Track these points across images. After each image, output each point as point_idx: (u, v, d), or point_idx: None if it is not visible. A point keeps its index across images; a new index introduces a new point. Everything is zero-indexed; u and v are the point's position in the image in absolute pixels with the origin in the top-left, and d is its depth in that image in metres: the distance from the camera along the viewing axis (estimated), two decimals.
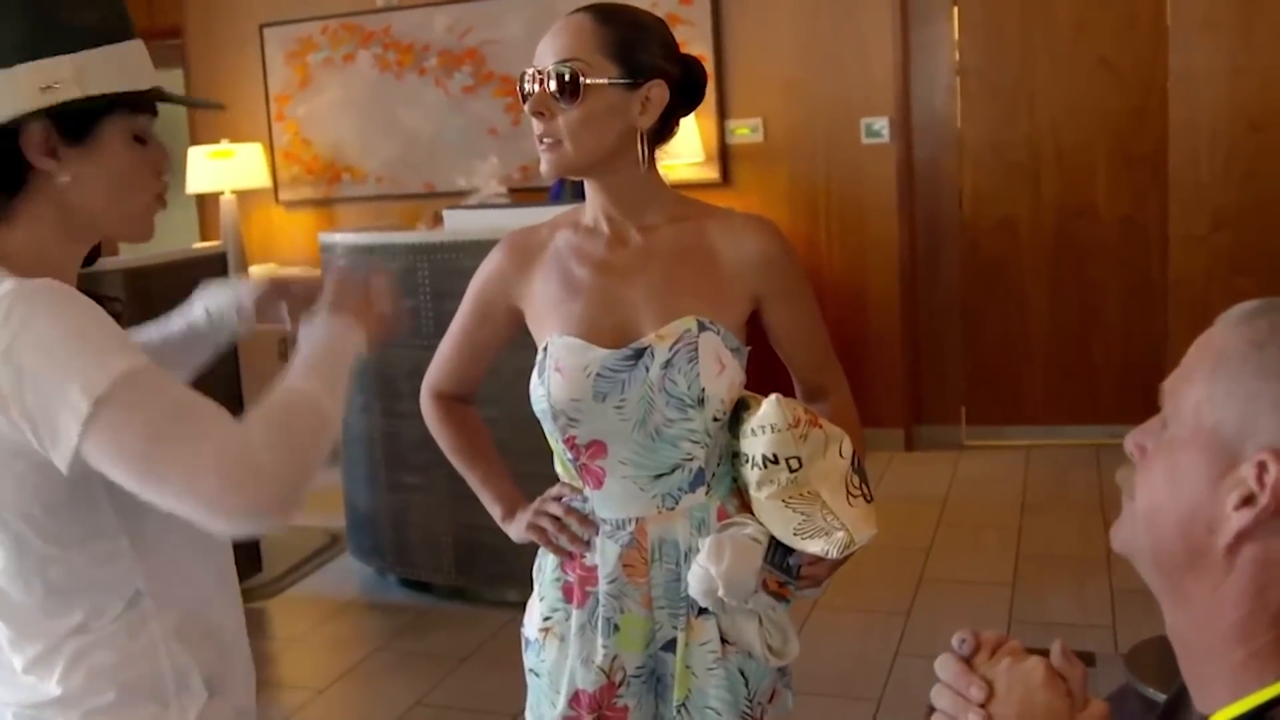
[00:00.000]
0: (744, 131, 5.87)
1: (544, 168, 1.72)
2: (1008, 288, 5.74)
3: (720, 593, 1.68)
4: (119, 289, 3.02)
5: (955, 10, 5.62)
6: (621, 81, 1.66)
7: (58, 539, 1.30)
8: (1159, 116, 5.40)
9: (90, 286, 1.41)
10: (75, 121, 1.30)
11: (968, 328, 5.82)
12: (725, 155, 5.90)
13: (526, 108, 1.69)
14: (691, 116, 5.63)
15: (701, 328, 1.70)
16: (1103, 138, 5.52)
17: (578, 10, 1.71)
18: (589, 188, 1.78)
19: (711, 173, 5.88)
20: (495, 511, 1.91)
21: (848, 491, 1.70)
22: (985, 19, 5.61)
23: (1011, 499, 4.98)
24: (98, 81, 1.30)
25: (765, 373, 1.96)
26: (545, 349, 1.75)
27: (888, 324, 5.76)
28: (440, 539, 4.18)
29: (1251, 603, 0.92)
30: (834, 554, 1.66)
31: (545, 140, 1.69)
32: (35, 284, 1.24)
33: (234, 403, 4.15)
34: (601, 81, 1.65)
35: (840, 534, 1.66)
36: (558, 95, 1.65)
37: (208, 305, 1.67)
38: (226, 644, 1.44)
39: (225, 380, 4.40)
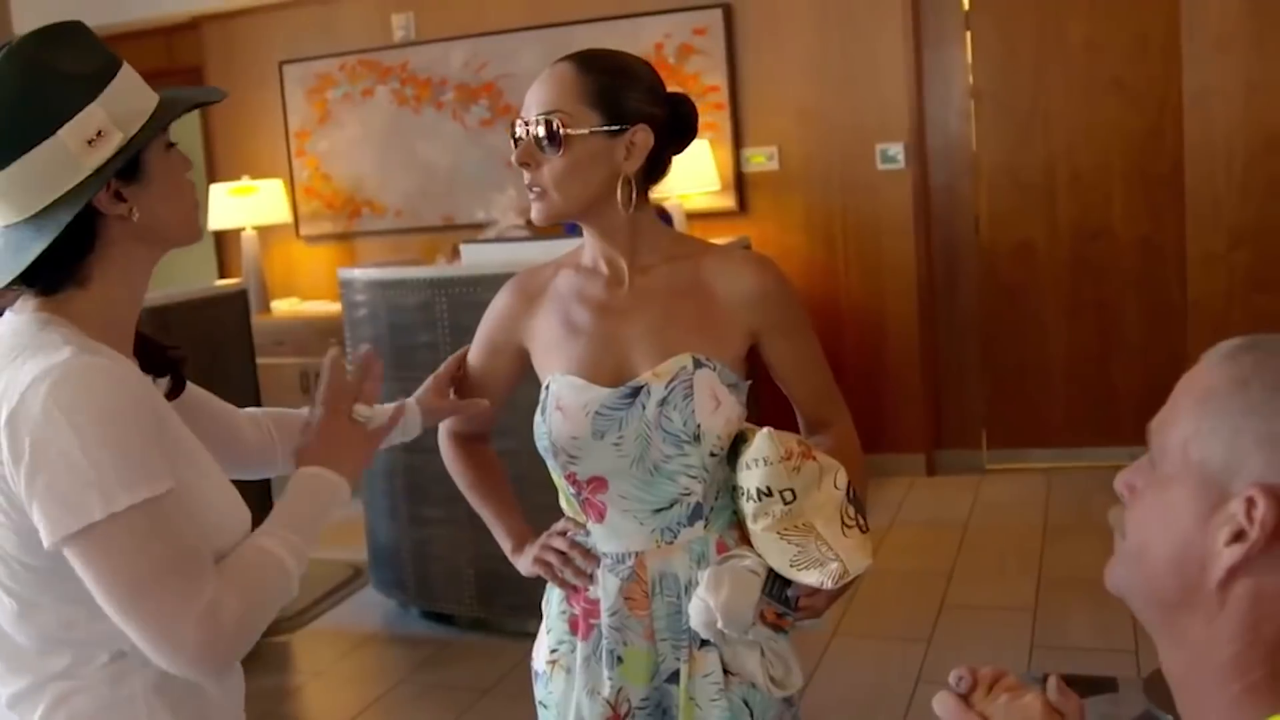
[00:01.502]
0: (760, 160, 5.90)
1: (533, 215, 1.76)
2: (1026, 310, 5.73)
3: (719, 625, 1.70)
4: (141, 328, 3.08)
5: (968, 34, 5.64)
6: (604, 129, 1.70)
7: (49, 590, 1.33)
8: (1174, 136, 5.40)
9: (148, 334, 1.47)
10: (129, 162, 1.35)
11: (987, 351, 5.81)
12: (741, 183, 5.92)
13: (514, 158, 1.73)
14: (707, 145, 5.73)
15: (697, 365, 1.73)
16: (1118, 158, 5.52)
17: (561, 60, 1.75)
18: (585, 230, 1.82)
19: (728, 201, 5.90)
20: (506, 546, 1.95)
21: (842, 522, 1.72)
22: (998, 42, 5.63)
23: (1033, 522, 4.96)
24: (126, 116, 1.35)
25: (776, 404, 1.98)
26: (547, 387, 1.79)
27: (907, 349, 5.76)
28: (462, 571, 4.19)
29: (1245, 638, 0.92)
30: (829, 585, 1.67)
31: (533, 189, 1.74)
32: (88, 364, 1.28)
33: None
34: (583, 131, 1.69)
35: (835, 565, 1.67)
36: (542, 146, 1.70)
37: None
38: (209, 704, 1.45)
39: None
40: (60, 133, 1.30)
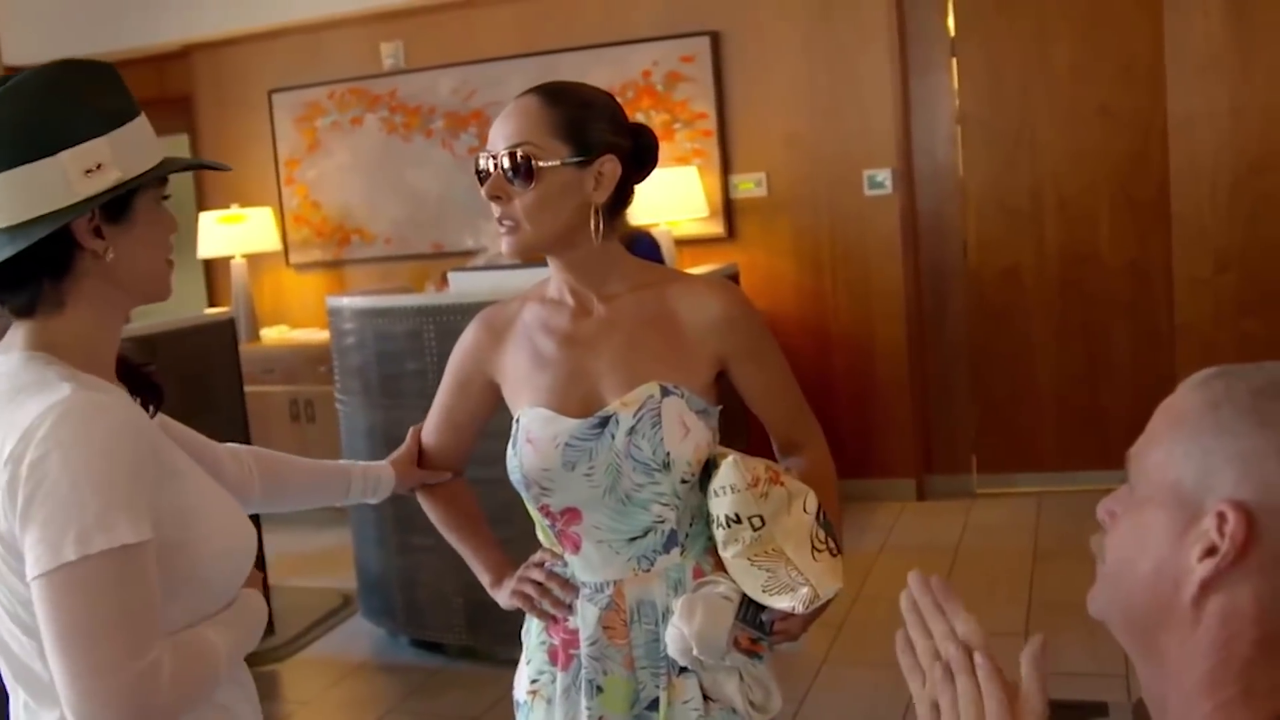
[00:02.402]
0: (748, 186, 5.92)
1: (504, 249, 1.75)
2: (1015, 335, 5.75)
3: (695, 652, 1.70)
4: (136, 358, 3.09)
5: (954, 61, 5.68)
6: (573, 160, 1.70)
7: None
8: (1160, 160, 5.43)
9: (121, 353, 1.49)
10: (117, 202, 1.37)
11: (976, 376, 5.83)
12: (729, 210, 5.94)
13: (483, 191, 1.73)
14: (695, 172, 5.75)
15: (665, 393, 1.73)
16: (1105, 183, 5.55)
17: (526, 93, 1.75)
18: (551, 262, 1.82)
19: (716, 227, 5.92)
20: (485, 580, 1.95)
21: (813, 546, 1.73)
22: (984, 68, 5.67)
23: (1024, 547, 4.95)
24: (130, 159, 1.37)
25: (760, 426, 1.98)
26: (517, 421, 1.79)
27: (896, 374, 5.77)
28: (450, 600, 4.18)
29: (1219, 654, 0.93)
30: (800, 609, 1.68)
31: (504, 223, 1.73)
32: (90, 402, 1.30)
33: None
34: (554, 163, 1.69)
35: (805, 590, 1.68)
36: (511, 178, 1.70)
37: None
38: None
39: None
40: (63, 155, 1.32)
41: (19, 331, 1.39)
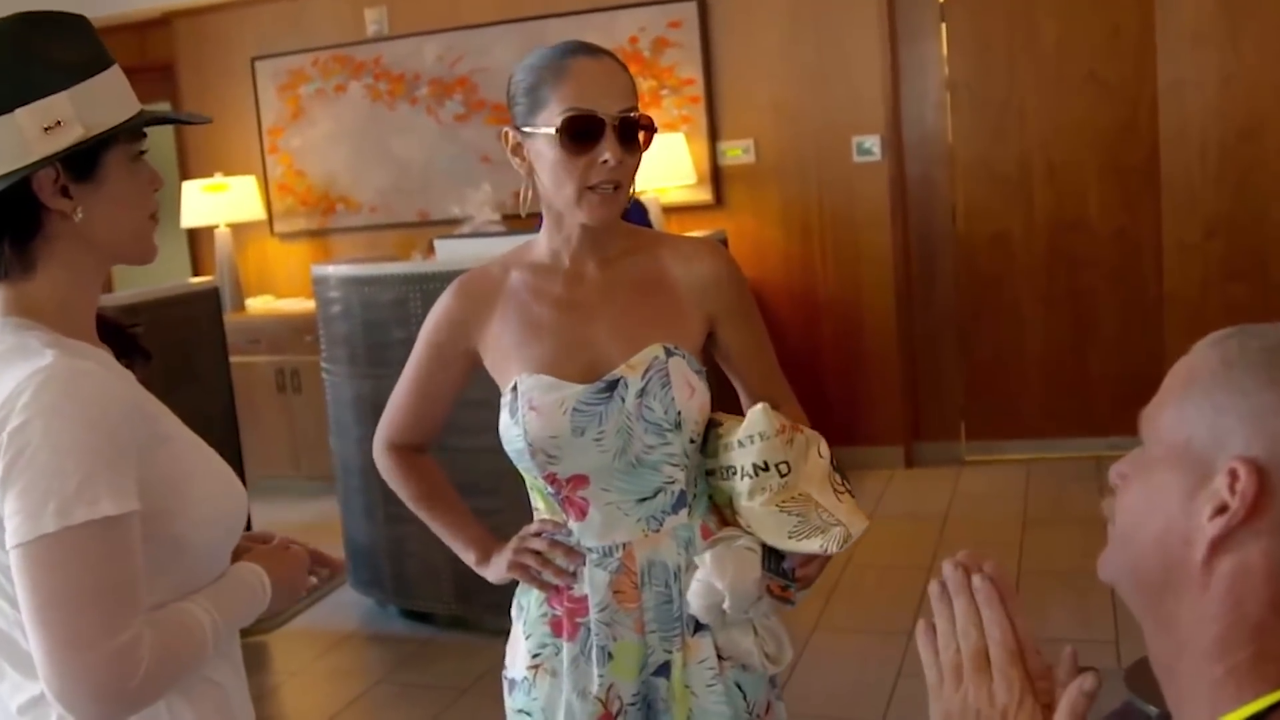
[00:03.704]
0: (736, 153, 5.88)
1: (600, 215, 1.70)
2: (1003, 302, 5.74)
3: (725, 604, 1.72)
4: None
5: (943, 27, 5.64)
6: None
7: None
8: (1149, 128, 5.41)
9: (108, 315, 1.45)
10: (83, 159, 1.32)
11: (964, 343, 5.82)
12: (718, 177, 5.91)
13: (600, 153, 1.66)
14: (683, 138, 5.71)
15: (669, 354, 1.74)
16: (1093, 150, 5.53)
17: (599, 52, 1.71)
18: (557, 225, 1.78)
19: (704, 194, 5.89)
20: (469, 557, 1.90)
21: (834, 489, 1.77)
22: (973, 35, 5.63)
23: (1012, 514, 4.96)
24: (95, 114, 1.31)
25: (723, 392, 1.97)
26: (514, 389, 1.75)
27: (884, 342, 5.76)
28: (440, 570, 4.16)
29: (1229, 616, 0.91)
30: (833, 549, 1.71)
31: (611, 184, 1.68)
32: (73, 369, 1.26)
33: (230, 436, 4.12)
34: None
35: (838, 529, 1.72)
36: (626, 142, 1.68)
37: None
38: (227, 699, 1.44)
39: (222, 416, 4.39)
40: (18, 112, 1.28)
41: None
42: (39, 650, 1.22)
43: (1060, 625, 3.76)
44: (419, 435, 1.94)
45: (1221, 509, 0.90)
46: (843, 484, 1.79)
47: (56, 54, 1.31)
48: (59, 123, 1.29)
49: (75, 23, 1.35)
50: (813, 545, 1.71)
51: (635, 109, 1.69)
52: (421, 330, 1.88)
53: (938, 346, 5.85)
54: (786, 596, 1.82)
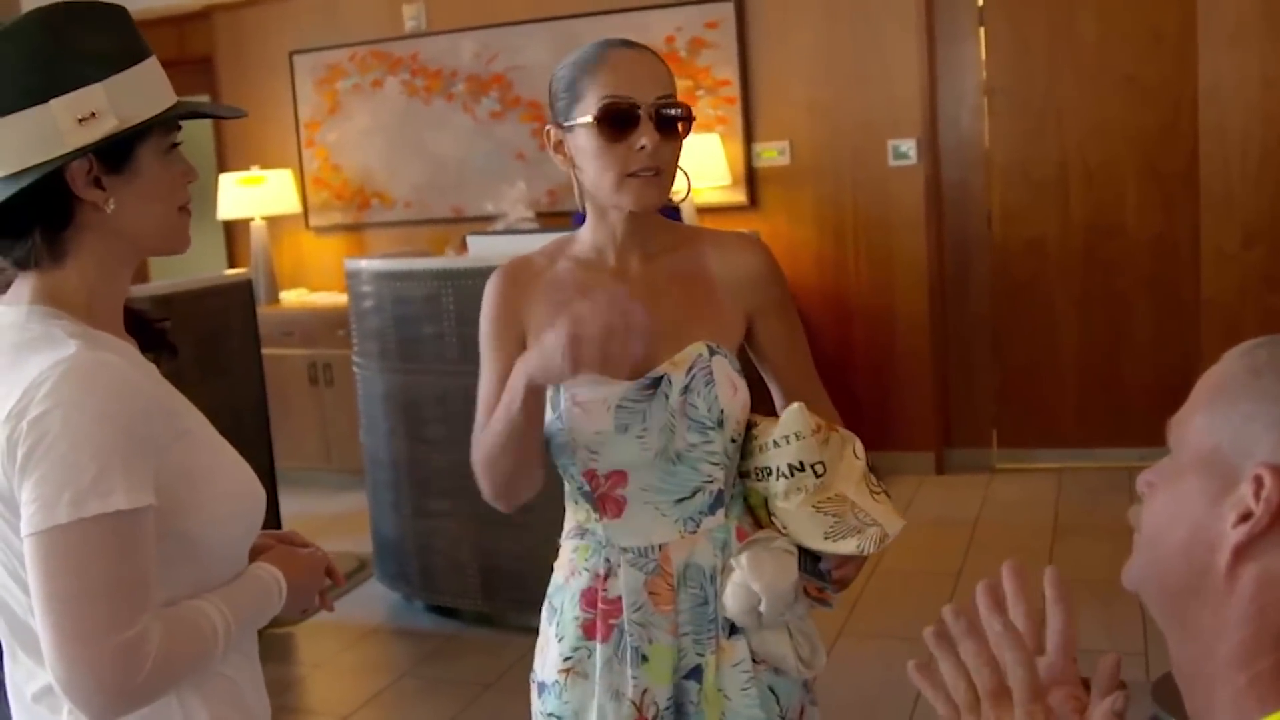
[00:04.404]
0: (771, 154, 5.86)
1: (644, 200, 1.70)
2: (1038, 308, 5.69)
3: (761, 607, 1.71)
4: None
5: (982, 30, 5.60)
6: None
7: None
8: (1188, 132, 5.35)
9: (136, 307, 1.46)
10: (116, 151, 1.32)
11: (998, 349, 5.78)
12: (752, 178, 5.89)
13: (638, 139, 1.66)
14: (718, 139, 5.70)
15: (712, 352, 1.74)
16: (1131, 155, 5.47)
17: (634, 44, 1.73)
18: (601, 219, 1.78)
19: (739, 196, 5.87)
20: (517, 392, 1.66)
21: (869, 489, 1.76)
22: (1011, 38, 5.59)
23: (1043, 522, 4.92)
24: (130, 105, 1.32)
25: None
26: (558, 386, 1.73)
27: (917, 346, 5.72)
28: (466, 565, 4.18)
29: (1253, 624, 0.91)
30: (870, 549, 1.70)
31: (647, 172, 1.69)
32: (96, 361, 1.27)
33: (261, 428, 4.13)
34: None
35: (874, 529, 1.71)
36: (664, 129, 1.69)
37: None
38: (241, 694, 1.44)
39: (253, 407, 4.42)
40: (53, 103, 1.28)
41: (25, 284, 1.36)
42: (47, 640, 1.23)
43: (1088, 637, 3.72)
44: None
45: (1246, 516, 0.90)
46: (878, 485, 1.79)
47: (92, 45, 1.31)
48: (93, 114, 1.29)
49: (113, 13, 1.35)
50: (849, 546, 1.70)
51: (672, 97, 1.70)
52: (481, 328, 1.83)
53: (970, 352, 5.81)
54: (824, 598, 1.82)
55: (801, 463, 1.71)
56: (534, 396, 1.66)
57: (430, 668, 4.02)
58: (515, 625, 4.10)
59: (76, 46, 1.30)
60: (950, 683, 1.04)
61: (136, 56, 1.35)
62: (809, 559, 1.76)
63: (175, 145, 1.40)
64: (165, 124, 1.37)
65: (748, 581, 1.71)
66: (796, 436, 1.72)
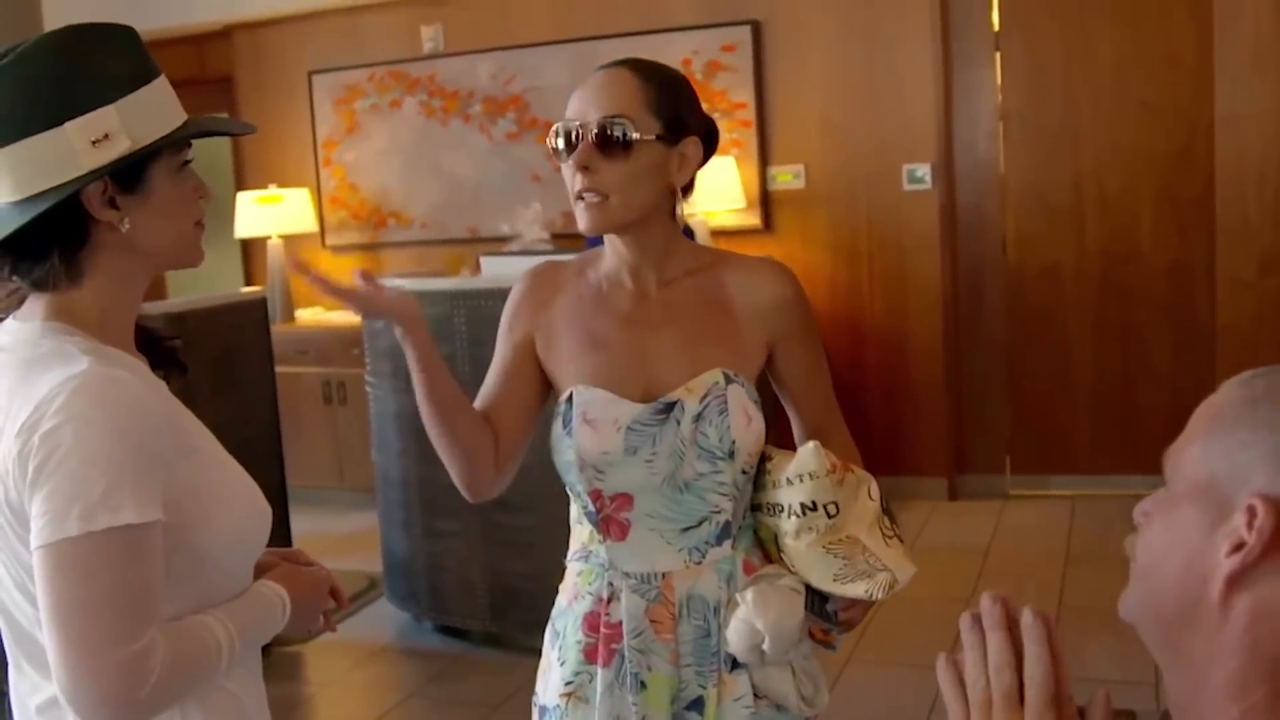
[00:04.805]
0: (786, 178, 5.87)
1: (585, 223, 1.69)
2: (1052, 334, 5.67)
3: (765, 645, 1.68)
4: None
5: (998, 55, 5.60)
6: (663, 138, 1.68)
7: None
8: (1205, 158, 5.34)
9: (147, 325, 1.47)
10: (130, 171, 1.34)
11: (1012, 375, 5.76)
12: (767, 201, 5.90)
13: (570, 161, 1.67)
14: (733, 162, 5.71)
15: (728, 380, 1.72)
16: (1148, 181, 5.46)
17: (615, 65, 1.72)
18: (612, 242, 1.78)
19: (753, 219, 5.88)
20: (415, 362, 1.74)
21: (882, 533, 1.73)
22: (1027, 62, 5.59)
23: (1055, 550, 4.89)
24: (141, 126, 1.33)
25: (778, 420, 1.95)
26: (569, 400, 1.74)
27: (930, 371, 5.71)
28: (475, 586, 4.17)
29: (1246, 655, 0.90)
30: (878, 595, 1.68)
31: (588, 195, 1.67)
32: (107, 377, 1.28)
33: (273, 445, 4.12)
34: (650, 138, 1.67)
35: (884, 574, 1.68)
36: (604, 149, 1.65)
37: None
38: (244, 710, 1.45)
39: (265, 424, 4.43)
40: (67, 126, 1.30)
41: (39, 301, 1.37)
42: (53, 651, 1.24)
43: (1099, 665, 3.70)
44: (486, 411, 1.81)
45: (1239, 546, 0.90)
46: (891, 528, 1.75)
47: (104, 66, 1.33)
48: (106, 135, 1.31)
49: (122, 34, 1.37)
50: (857, 590, 1.67)
51: (620, 117, 1.65)
52: (500, 328, 1.86)
53: (984, 378, 5.80)
54: (828, 640, 1.80)
55: (814, 502, 1.69)
56: (418, 373, 1.72)
57: (438, 688, 4.01)
58: (524, 647, 4.08)
59: (89, 69, 1.32)
60: (971, 676, 1.02)
61: (146, 76, 1.36)
62: (816, 599, 1.73)
63: (187, 162, 1.41)
64: (176, 142, 1.38)
65: (752, 619, 1.68)
66: (811, 476, 1.69)
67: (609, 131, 1.65)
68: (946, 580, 4.59)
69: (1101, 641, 3.84)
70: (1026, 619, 1.02)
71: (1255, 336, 5.27)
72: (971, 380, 5.82)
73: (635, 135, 1.65)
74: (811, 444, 1.72)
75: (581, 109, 1.68)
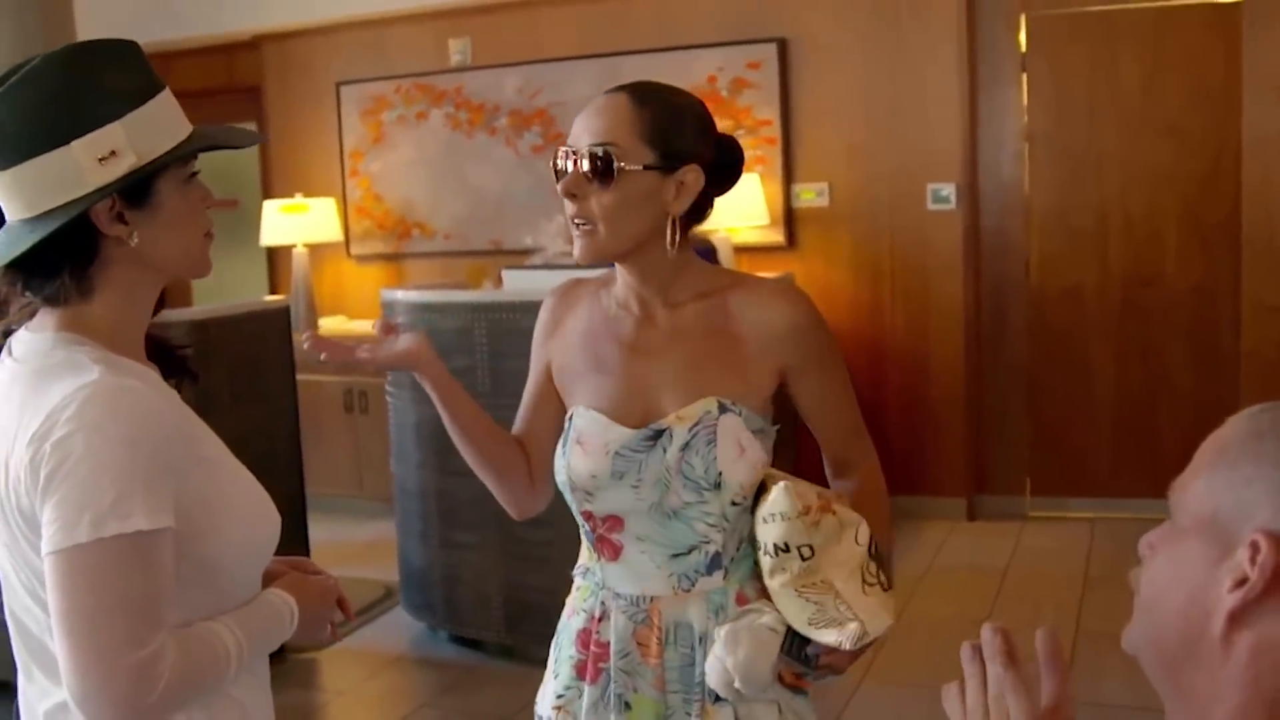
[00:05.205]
0: (810, 195, 5.87)
1: (578, 252, 1.68)
2: (1074, 356, 5.65)
3: (736, 684, 1.64)
4: (182, 341, 3.13)
5: (1024, 76, 5.60)
6: (656, 167, 1.65)
7: None
8: (1231, 182, 5.32)
9: (158, 334, 1.48)
10: (137, 187, 1.35)
11: (1033, 396, 5.74)
12: (790, 219, 5.90)
13: (559, 187, 1.67)
14: (757, 179, 5.72)
15: (723, 409, 1.68)
16: (1173, 204, 5.44)
17: (616, 90, 1.70)
18: (621, 269, 1.76)
19: (777, 236, 5.88)
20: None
21: (863, 580, 1.66)
22: (1054, 84, 5.58)
23: (1073, 572, 4.87)
24: (147, 141, 1.34)
25: (811, 446, 1.93)
26: (570, 420, 1.75)
27: (951, 391, 5.69)
28: (491, 597, 4.18)
29: (1247, 691, 0.90)
30: (847, 645, 1.60)
31: (578, 222, 1.67)
32: (119, 386, 1.30)
33: (293, 453, 4.14)
34: (636, 167, 1.64)
35: (853, 625, 1.60)
36: (591, 177, 1.64)
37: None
38: (247, 716, 1.46)
39: (286, 433, 4.45)
40: (74, 144, 1.31)
41: (50, 313, 1.39)
42: (64, 657, 1.26)
43: (1115, 691, 3.68)
44: (521, 430, 1.87)
45: (1241, 581, 0.89)
46: (875, 575, 1.67)
47: (109, 83, 1.34)
48: (113, 152, 1.32)
49: (127, 50, 1.38)
50: (829, 637, 1.61)
51: (608, 144, 1.63)
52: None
53: (1005, 399, 5.78)
54: (800, 685, 1.73)
55: (786, 544, 1.62)
56: (439, 406, 1.76)
57: (451, 699, 4.02)
58: (538, 659, 4.03)
59: (94, 87, 1.33)
60: (971, 703, 1.02)
61: (151, 91, 1.37)
62: (797, 641, 1.66)
63: (194, 174, 1.43)
64: (182, 157, 1.39)
65: (722, 657, 1.64)
66: (782, 517, 1.62)
67: (594, 159, 1.63)
68: (964, 601, 4.58)
69: (1118, 666, 3.81)
70: (996, 670, 1.01)
71: (1279, 361, 5.24)
72: (992, 401, 5.80)
73: (620, 164, 1.62)
74: (782, 484, 1.65)
75: (576, 134, 1.67)
